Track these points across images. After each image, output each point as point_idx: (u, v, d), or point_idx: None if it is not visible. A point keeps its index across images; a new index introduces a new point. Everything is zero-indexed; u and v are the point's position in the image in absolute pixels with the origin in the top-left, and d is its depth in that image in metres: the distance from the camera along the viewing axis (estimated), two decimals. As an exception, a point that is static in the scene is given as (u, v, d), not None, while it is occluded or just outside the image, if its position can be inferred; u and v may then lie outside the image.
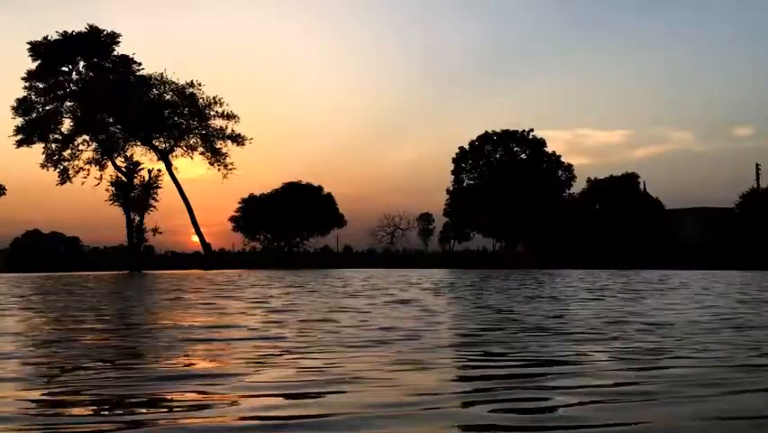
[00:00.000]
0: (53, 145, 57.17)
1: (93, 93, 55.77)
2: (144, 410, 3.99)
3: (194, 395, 4.36)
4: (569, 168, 72.38)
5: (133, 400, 4.23)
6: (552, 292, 16.61)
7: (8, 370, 5.38)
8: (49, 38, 55.56)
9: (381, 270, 49.23)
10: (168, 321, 9.66)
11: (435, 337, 7.38)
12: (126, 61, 57.74)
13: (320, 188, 75.24)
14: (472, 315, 10.34)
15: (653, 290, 17.79)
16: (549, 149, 72.32)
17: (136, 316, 10.83)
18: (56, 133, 57.28)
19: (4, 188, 59.58)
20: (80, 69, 57.37)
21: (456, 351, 6.54)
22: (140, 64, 58.39)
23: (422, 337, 7.30)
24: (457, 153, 73.59)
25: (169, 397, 4.31)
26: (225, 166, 60.02)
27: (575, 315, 10.12)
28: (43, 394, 4.46)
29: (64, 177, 57.18)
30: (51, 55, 55.67)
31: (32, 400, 4.27)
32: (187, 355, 6.14)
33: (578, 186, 72.67)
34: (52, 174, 57.27)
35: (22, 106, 55.98)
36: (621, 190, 69.07)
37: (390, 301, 13.46)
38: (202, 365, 5.63)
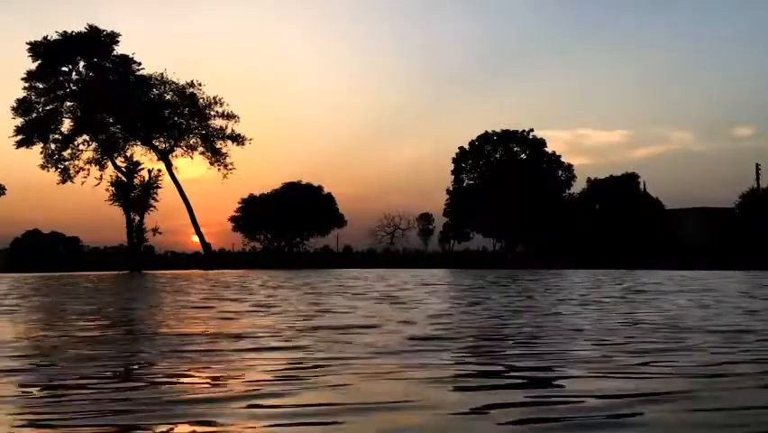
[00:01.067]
0: (53, 145, 57.16)
1: (93, 93, 55.71)
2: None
3: (198, 423, 3.84)
4: (569, 168, 72.40)
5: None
6: (595, 296, 15.38)
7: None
8: (49, 38, 55.55)
9: (382, 270, 49.06)
10: (171, 328, 9.07)
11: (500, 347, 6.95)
12: (126, 61, 57.69)
13: (320, 188, 75.20)
14: (532, 321, 9.93)
15: (677, 290, 17.47)
16: (549, 149, 72.40)
17: (138, 321, 10.42)
18: (56, 133, 57.25)
19: (4, 188, 59.67)
20: (80, 69, 57.39)
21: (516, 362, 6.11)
22: (140, 64, 58.48)
23: (448, 348, 6.77)
24: (457, 153, 73.54)
25: (168, 426, 3.77)
26: (225, 166, 60.22)
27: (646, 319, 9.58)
28: (25, 422, 3.94)
29: (65, 176, 57.23)
30: (51, 55, 55.61)
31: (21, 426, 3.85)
32: (192, 371, 5.53)
33: (578, 186, 72.81)
34: (52, 174, 57.44)
35: (22, 107, 55.93)
36: (621, 190, 69.06)
37: (408, 304, 13.22)
38: (207, 385, 4.99)
